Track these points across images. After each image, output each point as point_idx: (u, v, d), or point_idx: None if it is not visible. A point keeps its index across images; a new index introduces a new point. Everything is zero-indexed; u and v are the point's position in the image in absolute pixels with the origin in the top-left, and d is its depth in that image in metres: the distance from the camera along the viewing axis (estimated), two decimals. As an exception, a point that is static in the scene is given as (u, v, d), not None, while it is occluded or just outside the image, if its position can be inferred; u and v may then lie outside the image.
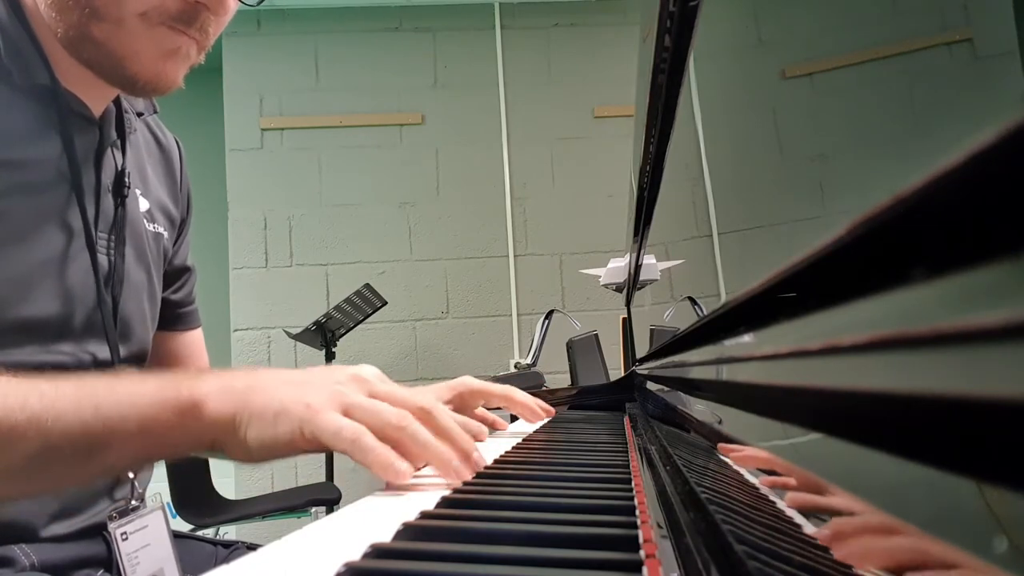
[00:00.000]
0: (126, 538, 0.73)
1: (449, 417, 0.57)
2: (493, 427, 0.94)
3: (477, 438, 0.80)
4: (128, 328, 0.78)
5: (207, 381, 0.54)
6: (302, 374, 0.56)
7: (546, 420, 1.17)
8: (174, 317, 0.94)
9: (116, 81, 0.69)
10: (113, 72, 0.68)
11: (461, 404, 0.89)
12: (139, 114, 0.84)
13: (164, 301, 0.90)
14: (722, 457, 0.37)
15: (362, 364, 0.59)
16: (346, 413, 0.53)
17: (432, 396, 0.89)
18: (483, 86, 3.32)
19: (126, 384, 0.54)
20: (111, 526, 0.73)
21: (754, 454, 0.31)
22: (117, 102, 0.77)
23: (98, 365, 0.74)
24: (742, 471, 0.32)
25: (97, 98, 0.73)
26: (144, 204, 0.83)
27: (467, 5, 3.33)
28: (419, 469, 0.57)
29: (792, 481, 0.25)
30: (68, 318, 0.70)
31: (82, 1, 0.64)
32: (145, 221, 0.82)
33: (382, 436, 0.52)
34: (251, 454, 0.53)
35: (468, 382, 0.91)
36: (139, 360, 0.82)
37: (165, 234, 0.87)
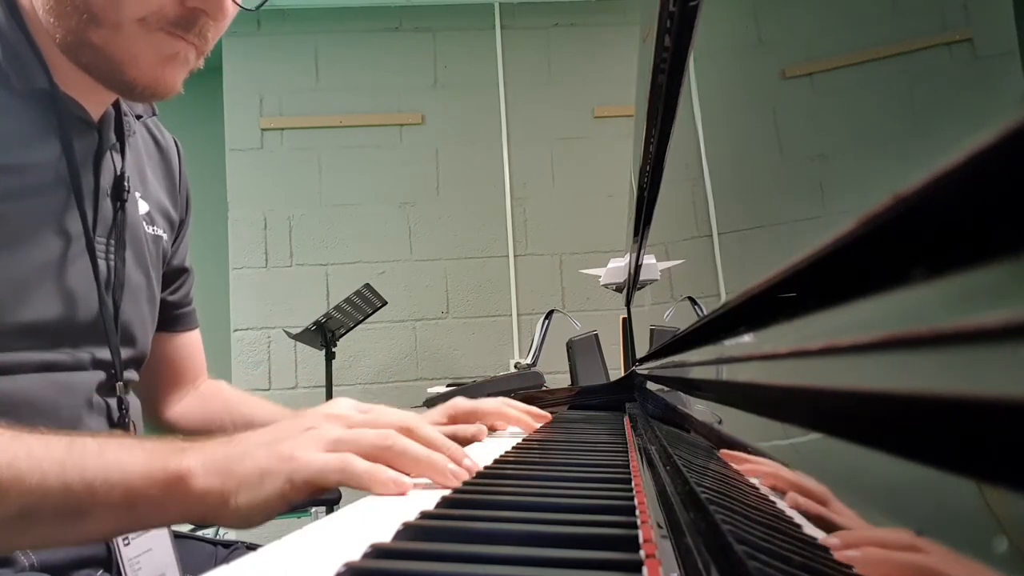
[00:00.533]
0: (128, 543, 0.73)
1: (432, 430, 0.57)
2: (492, 428, 0.94)
3: (476, 438, 0.80)
4: (128, 331, 0.78)
5: (191, 455, 0.53)
6: (277, 430, 0.55)
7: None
8: (172, 318, 0.94)
9: (114, 86, 0.69)
10: (111, 77, 0.68)
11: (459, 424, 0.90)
12: (138, 117, 0.84)
13: (162, 302, 0.90)
14: (722, 458, 0.37)
15: (335, 399, 0.59)
16: (331, 452, 0.53)
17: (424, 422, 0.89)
18: (483, 86, 3.32)
19: (115, 450, 0.53)
20: None
21: (759, 467, 0.30)
22: (116, 105, 0.77)
23: (98, 367, 0.74)
24: (742, 471, 0.32)
25: (95, 102, 0.73)
26: (143, 207, 0.83)
27: (467, 5, 3.33)
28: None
29: (793, 484, 0.25)
30: (68, 321, 0.70)
31: (80, 6, 0.63)
32: (144, 224, 0.82)
33: (371, 459, 0.52)
34: (248, 520, 0.52)
35: (459, 404, 0.92)
36: (138, 363, 0.82)
37: (164, 236, 0.87)
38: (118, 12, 0.63)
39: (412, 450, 0.53)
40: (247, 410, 0.99)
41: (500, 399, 0.97)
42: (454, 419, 0.89)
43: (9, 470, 0.49)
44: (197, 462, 0.52)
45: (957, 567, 0.13)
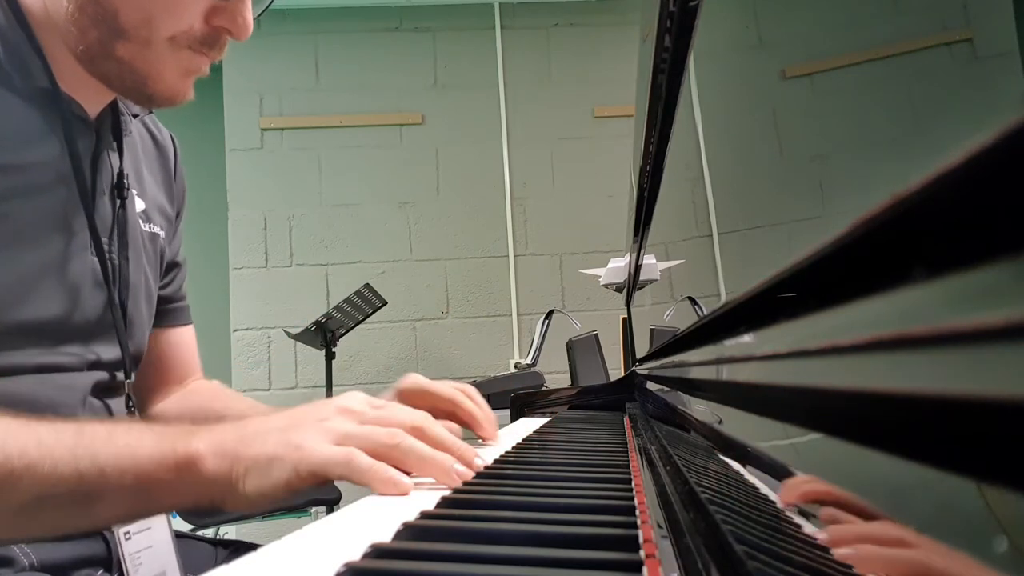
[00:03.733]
0: (129, 537, 0.73)
1: (442, 430, 0.57)
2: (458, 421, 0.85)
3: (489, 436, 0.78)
4: (131, 330, 0.78)
5: (201, 437, 0.54)
6: (289, 417, 0.56)
7: (545, 420, 1.17)
8: (163, 313, 0.92)
9: (132, 96, 0.70)
10: (132, 88, 0.69)
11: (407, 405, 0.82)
12: (135, 115, 0.84)
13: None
14: (723, 458, 0.37)
15: (348, 393, 0.59)
16: (339, 445, 0.53)
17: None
18: (483, 86, 3.32)
19: (124, 436, 0.54)
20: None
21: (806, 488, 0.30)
22: (113, 104, 0.77)
23: (103, 366, 0.74)
24: (742, 471, 0.32)
25: (93, 101, 0.73)
26: (140, 204, 0.83)
27: (467, 5, 3.33)
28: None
29: (798, 485, 0.25)
30: (72, 320, 0.70)
31: (108, 20, 0.64)
32: (141, 221, 0.82)
33: (377, 457, 0.53)
34: (253, 505, 0.53)
35: (415, 380, 0.80)
36: (136, 361, 0.82)
37: (161, 234, 0.86)
38: (150, 30, 0.64)
39: (418, 449, 0.53)
40: (220, 407, 0.94)
41: (456, 385, 0.81)
42: (403, 396, 0.79)
43: (21, 459, 0.50)
44: (207, 445, 0.53)
45: (957, 567, 0.13)
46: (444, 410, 0.78)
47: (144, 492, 0.53)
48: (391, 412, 0.57)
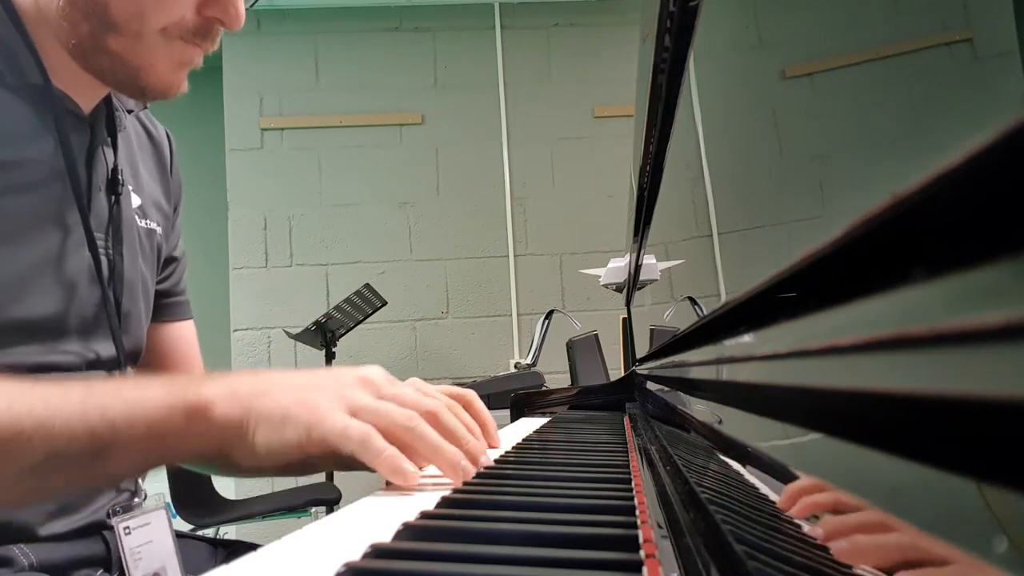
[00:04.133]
0: (129, 532, 0.73)
1: (456, 422, 0.57)
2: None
3: (491, 444, 0.75)
4: (127, 326, 0.78)
5: (213, 385, 0.54)
6: (308, 377, 0.56)
7: (545, 420, 1.17)
8: (160, 307, 0.92)
9: (126, 89, 0.70)
10: (125, 81, 0.68)
11: None
12: (129, 111, 0.83)
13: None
14: (722, 457, 0.37)
15: (369, 365, 0.59)
16: (353, 415, 0.53)
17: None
18: (483, 86, 3.32)
19: (131, 389, 0.54)
20: (114, 520, 0.73)
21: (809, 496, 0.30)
22: (107, 100, 0.77)
23: (101, 364, 0.74)
24: (742, 471, 0.32)
25: (87, 97, 0.73)
26: (136, 200, 0.83)
27: (467, 5, 3.33)
28: (422, 468, 0.57)
29: (800, 488, 0.25)
30: (68, 317, 0.70)
31: (99, 14, 0.64)
32: (137, 218, 0.82)
33: (390, 437, 0.52)
34: (260, 459, 0.53)
35: (415, 386, 0.74)
36: (134, 357, 0.81)
37: (158, 229, 0.86)
38: (141, 22, 0.64)
39: (431, 437, 0.53)
40: None
41: (454, 392, 0.71)
42: None
43: (31, 417, 0.50)
44: (217, 391, 0.53)
45: (957, 567, 0.13)
46: None
47: (156, 440, 0.52)
48: (410, 394, 0.57)
